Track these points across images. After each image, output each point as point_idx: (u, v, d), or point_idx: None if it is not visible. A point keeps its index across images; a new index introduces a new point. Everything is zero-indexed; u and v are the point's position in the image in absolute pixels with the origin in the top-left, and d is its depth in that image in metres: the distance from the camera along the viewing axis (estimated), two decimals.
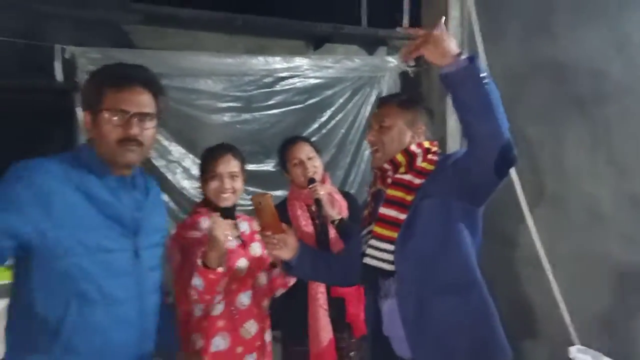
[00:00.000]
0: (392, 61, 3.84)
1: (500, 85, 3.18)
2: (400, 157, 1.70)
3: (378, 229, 1.68)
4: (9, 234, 1.30)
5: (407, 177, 1.69)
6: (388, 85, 3.86)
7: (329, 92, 3.76)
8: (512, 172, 3.19)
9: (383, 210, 1.68)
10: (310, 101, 3.70)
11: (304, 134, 3.49)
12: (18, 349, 1.42)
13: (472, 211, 1.65)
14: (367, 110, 3.83)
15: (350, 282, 1.97)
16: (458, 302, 1.59)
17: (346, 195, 2.55)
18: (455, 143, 3.62)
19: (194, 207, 2.18)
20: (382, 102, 1.84)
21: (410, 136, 1.73)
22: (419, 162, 1.70)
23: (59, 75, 3.17)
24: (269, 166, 3.61)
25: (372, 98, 3.83)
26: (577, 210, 2.97)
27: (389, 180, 1.72)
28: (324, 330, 2.26)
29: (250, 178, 3.54)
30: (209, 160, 2.06)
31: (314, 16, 5.23)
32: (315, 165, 2.40)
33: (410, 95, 1.86)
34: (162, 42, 4.60)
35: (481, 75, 1.44)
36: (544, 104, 3.14)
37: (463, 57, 1.44)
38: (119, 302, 1.43)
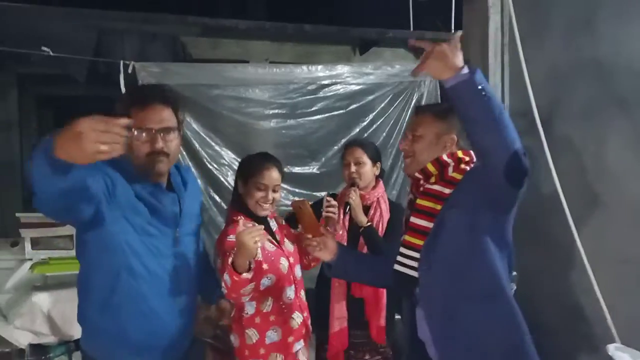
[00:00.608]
0: None
1: (542, 86, 3.28)
2: (431, 167, 1.73)
3: (408, 237, 1.76)
4: (90, 192, 1.49)
5: (437, 187, 1.72)
6: (428, 89, 3.96)
7: (370, 98, 3.90)
8: (554, 174, 3.23)
9: (413, 219, 1.74)
10: (352, 106, 3.86)
11: (346, 139, 3.65)
12: (83, 309, 1.70)
13: (499, 221, 1.65)
14: (407, 114, 3.94)
15: (385, 284, 2.08)
16: (486, 310, 1.61)
17: (394, 206, 2.63)
18: None
19: (230, 213, 2.27)
20: (418, 111, 1.86)
21: (443, 146, 1.74)
22: (450, 172, 1.72)
23: (123, 87, 3.46)
24: (313, 169, 3.80)
25: (413, 102, 3.94)
26: (619, 212, 2.96)
27: (421, 190, 1.76)
28: (339, 320, 2.45)
29: (296, 180, 3.78)
30: (257, 169, 2.16)
31: (362, 22, 5.37)
32: (361, 171, 2.51)
33: (447, 106, 1.78)
34: (216, 51, 4.88)
35: (480, 88, 1.45)
36: (586, 105, 3.13)
37: (464, 70, 1.45)
38: (160, 277, 1.68)
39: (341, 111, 3.85)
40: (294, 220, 2.21)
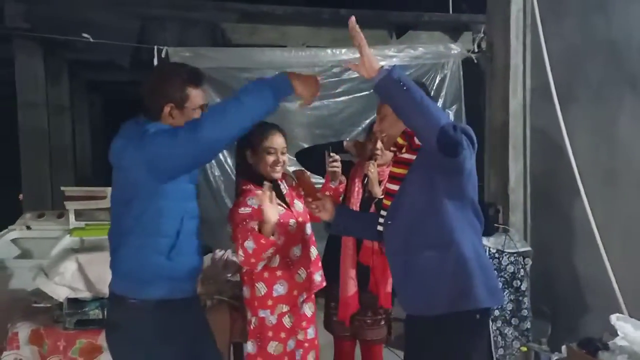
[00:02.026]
0: (455, 48, 4.00)
1: (559, 66, 3.32)
2: (400, 140, 1.96)
3: (384, 201, 2.02)
4: None
5: (407, 155, 1.94)
6: (451, 70, 4.03)
7: None
8: (569, 150, 3.28)
9: (388, 185, 2.01)
10: None
11: (369, 120, 3.76)
12: (143, 256, 1.90)
13: (455, 183, 1.85)
14: (431, 94, 3.98)
15: (378, 239, 2.23)
16: (437, 258, 1.85)
17: None
18: (518, 124, 3.72)
19: (239, 183, 2.41)
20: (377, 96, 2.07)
21: None
22: (417, 141, 1.90)
23: None
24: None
25: (436, 83, 4.02)
26: (629, 186, 3.02)
27: (393, 159, 2.01)
28: (349, 284, 2.61)
29: None
30: (265, 136, 2.33)
31: (400, 6, 5.43)
32: (385, 150, 2.57)
33: None
34: (254, 37, 5.09)
35: (398, 80, 1.68)
36: (600, 83, 3.19)
37: (383, 70, 1.69)
38: (197, 217, 1.99)
39: (365, 93, 3.97)
40: None
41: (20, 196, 4.01)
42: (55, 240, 3.34)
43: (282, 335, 2.35)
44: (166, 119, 1.90)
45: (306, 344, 2.46)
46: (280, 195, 2.40)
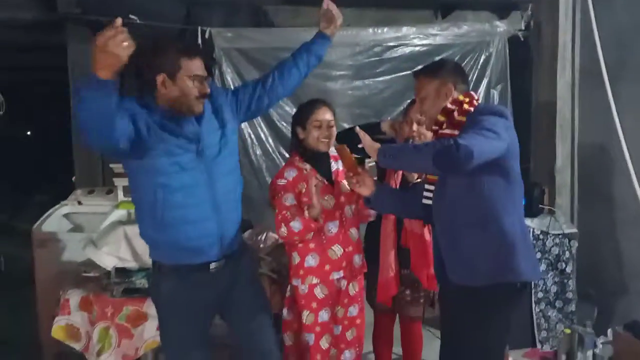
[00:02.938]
0: (501, 26, 3.89)
1: (609, 44, 3.22)
2: (440, 117, 1.99)
3: (429, 175, 2.10)
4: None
5: (447, 131, 1.96)
6: (497, 49, 3.93)
7: (436, 59, 3.88)
8: (620, 131, 3.17)
9: None
10: (418, 67, 3.88)
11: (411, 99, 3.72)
12: (140, 226, 2.08)
13: (496, 160, 1.86)
14: (475, 74, 3.93)
15: (416, 216, 2.31)
16: (479, 234, 1.92)
17: None
18: (566, 104, 3.62)
19: (290, 155, 2.58)
20: (415, 77, 2.12)
21: (444, 97, 1.99)
22: (457, 117, 1.95)
23: None
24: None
25: (481, 62, 3.93)
26: None
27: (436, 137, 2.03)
28: (389, 267, 2.60)
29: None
30: (312, 111, 2.43)
31: None
32: (421, 131, 2.53)
33: (436, 62, 2.19)
34: (297, 19, 5.07)
35: (391, 152, 1.94)
36: None
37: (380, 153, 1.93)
38: (192, 187, 1.96)
39: (407, 72, 3.90)
40: None
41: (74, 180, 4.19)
42: (104, 215, 3.46)
43: (314, 305, 2.42)
44: (160, 89, 1.94)
45: (346, 322, 2.52)
46: (327, 171, 2.48)
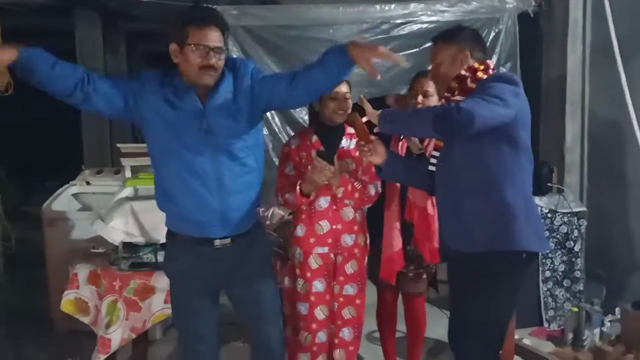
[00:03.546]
0: (511, 2, 3.82)
1: (621, 19, 3.16)
2: (453, 83, 1.97)
3: (438, 142, 2.09)
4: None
5: (458, 97, 1.92)
6: (506, 25, 3.85)
7: None
8: (631, 108, 3.12)
9: None
10: (426, 45, 3.81)
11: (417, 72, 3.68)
12: (155, 196, 2.11)
13: (503, 129, 1.84)
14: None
15: (428, 186, 2.23)
16: (481, 201, 1.92)
17: None
18: (576, 81, 3.57)
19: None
20: (432, 41, 2.09)
21: (460, 64, 1.96)
22: (469, 84, 1.93)
23: None
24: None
25: (490, 39, 3.85)
26: None
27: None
28: (394, 241, 2.58)
29: None
30: None
31: None
32: (427, 103, 2.57)
33: (453, 29, 2.10)
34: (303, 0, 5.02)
35: (392, 117, 1.97)
36: None
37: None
38: (192, 161, 1.96)
39: (415, 49, 3.83)
40: None
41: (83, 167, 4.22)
42: (112, 195, 3.49)
43: (308, 274, 2.46)
44: (174, 59, 1.92)
45: (341, 299, 2.53)
46: (334, 145, 2.48)
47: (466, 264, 1.98)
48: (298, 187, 2.32)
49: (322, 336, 2.51)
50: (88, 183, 3.83)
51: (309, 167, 2.30)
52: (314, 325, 2.47)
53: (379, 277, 2.66)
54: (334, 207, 2.46)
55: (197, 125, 1.93)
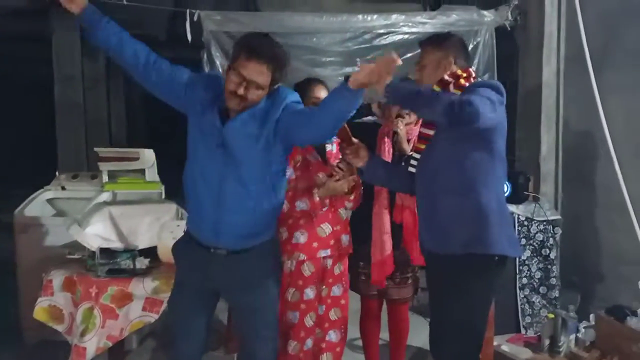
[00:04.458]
0: (489, 15, 3.92)
1: (594, 32, 3.26)
2: (436, 87, 2.02)
3: (419, 145, 2.12)
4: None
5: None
6: (484, 38, 3.94)
7: None
8: (602, 117, 3.22)
9: (422, 129, 2.13)
10: (408, 55, 3.89)
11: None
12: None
13: (483, 134, 1.92)
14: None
15: (410, 189, 2.26)
16: (455, 204, 1.97)
17: None
18: (551, 91, 3.67)
19: None
20: (420, 45, 2.18)
21: (443, 69, 2.04)
22: (452, 89, 1.99)
23: (189, 34, 3.74)
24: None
25: (469, 50, 3.93)
26: None
27: None
28: (386, 244, 2.59)
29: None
30: (309, 88, 2.47)
31: None
32: None
33: (442, 34, 2.22)
34: (286, 9, 5.05)
35: (393, 90, 1.87)
36: (636, 49, 3.12)
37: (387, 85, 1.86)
38: (205, 168, 2.03)
39: None
40: None
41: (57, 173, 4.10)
42: (88, 200, 3.43)
43: (300, 282, 2.44)
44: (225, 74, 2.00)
45: (329, 300, 2.53)
46: (322, 149, 2.51)
47: (442, 266, 2.03)
48: (316, 192, 2.36)
49: (309, 343, 2.50)
50: (63, 188, 3.74)
51: (321, 174, 2.35)
52: (302, 334, 2.46)
53: (371, 281, 2.65)
54: (332, 209, 2.48)
55: (214, 141, 1.99)
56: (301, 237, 2.42)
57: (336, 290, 2.54)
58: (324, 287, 2.50)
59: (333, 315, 2.55)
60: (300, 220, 2.41)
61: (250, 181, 2.00)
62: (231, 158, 1.97)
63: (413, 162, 2.14)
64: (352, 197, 2.51)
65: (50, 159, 5.94)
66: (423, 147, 2.10)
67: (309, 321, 2.46)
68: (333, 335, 2.55)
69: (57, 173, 3.92)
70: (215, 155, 1.99)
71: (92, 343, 2.56)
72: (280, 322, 2.45)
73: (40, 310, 2.69)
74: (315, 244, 2.43)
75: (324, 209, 2.45)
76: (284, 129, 1.97)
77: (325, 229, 2.44)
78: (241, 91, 1.90)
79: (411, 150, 2.13)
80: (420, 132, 2.10)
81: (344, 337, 2.62)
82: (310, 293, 2.44)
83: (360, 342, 2.94)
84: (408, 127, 2.66)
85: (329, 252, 2.46)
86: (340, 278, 2.56)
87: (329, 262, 2.49)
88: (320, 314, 2.51)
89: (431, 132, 2.08)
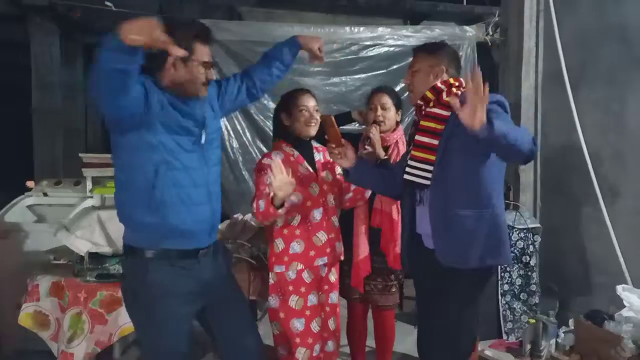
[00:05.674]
0: (470, 31, 4.06)
1: (572, 49, 3.41)
2: (428, 94, 2.07)
3: (415, 152, 2.10)
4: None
5: (436, 110, 2.05)
6: (466, 53, 4.08)
7: (410, 59, 4.03)
8: (580, 132, 3.36)
9: (418, 137, 2.09)
10: (393, 67, 4.02)
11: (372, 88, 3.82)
12: (126, 210, 1.97)
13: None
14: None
15: (394, 193, 2.32)
16: (474, 218, 2.00)
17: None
18: (530, 106, 3.78)
19: (274, 143, 2.57)
20: (414, 51, 2.22)
21: (435, 76, 2.09)
22: (445, 97, 2.03)
23: None
24: (355, 124, 3.99)
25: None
26: (638, 167, 3.09)
27: (423, 113, 2.09)
28: (361, 247, 2.66)
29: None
30: (297, 97, 2.47)
31: None
32: (386, 115, 2.71)
33: (436, 43, 2.27)
34: (270, 22, 5.14)
35: (498, 135, 1.69)
36: (611, 67, 3.28)
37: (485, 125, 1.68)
38: (191, 169, 1.95)
39: (382, 71, 4.03)
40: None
41: (30, 183, 3.95)
42: (71, 207, 3.38)
43: (302, 289, 2.43)
44: (169, 70, 1.91)
45: (327, 308, 2.55)
46: (312, 159, 2.51)
47: (455, 279, 2.03)
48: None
49: (317, 349, 2.48)
50: (45, 194, 3.70)
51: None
52: (310, 340, 2.43)
53: (351, 284, 2.71)
54: (326, 217, 2.48)
55: (199, 132, 1.98)
56: (297, 247, 2.42)
57: (333, 297, 2.57)
58: (321, 293, 2.52)
59: (331, 324, 2.56)
60: (296, 230, 2.42)
61: (219, 161, 2.11)
62: (209, 145, 2.02)
63: (410, 170, 2.11)
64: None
65: (27, 166, 5.84)
66: (420, 155, 2.08)
67: (315, 327, 2.45)
68: (330, 345, 2.57)
69: (26, 183, 3.84)
70: (196, 150, 1.97)
71: (81, 348, 2.52)
72: (282, 332, 2.48)
73: (25, 317, 2.64)
74: (312, 253, 2.43)
75: (316, 218, 2.45)
76: (228, 95, 2.20)
77: (321, 237, 2.45)
78: (211, 75, 1.98)
79: (407, 157, 2.16)
80: (416, 139, 2.10)
81: (338, 344, 2.64)
82: (313, 299, 2.45)
83: (347, 349, 2.97)
84: (385, 134, 2.73)
85: (325, 259, 2.47)
86: (336, 285, 2.59)
87: (325, 269, 2.52)
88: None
89: (428, 140, 2.05)
